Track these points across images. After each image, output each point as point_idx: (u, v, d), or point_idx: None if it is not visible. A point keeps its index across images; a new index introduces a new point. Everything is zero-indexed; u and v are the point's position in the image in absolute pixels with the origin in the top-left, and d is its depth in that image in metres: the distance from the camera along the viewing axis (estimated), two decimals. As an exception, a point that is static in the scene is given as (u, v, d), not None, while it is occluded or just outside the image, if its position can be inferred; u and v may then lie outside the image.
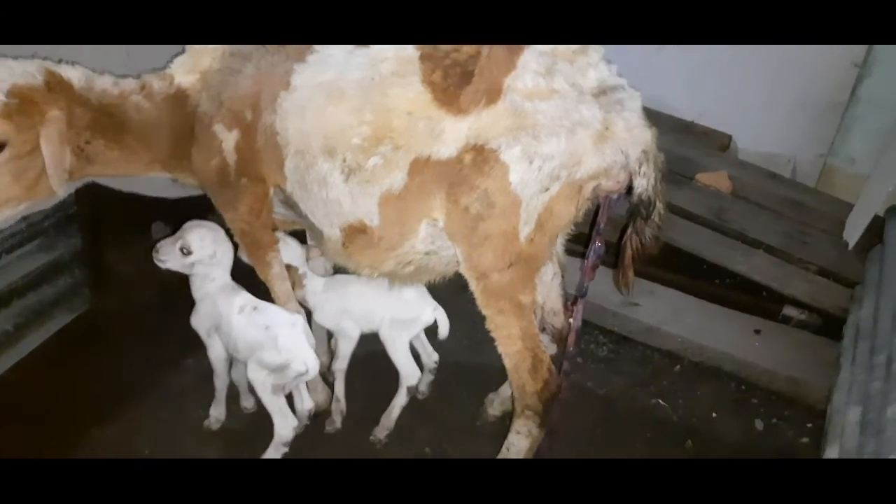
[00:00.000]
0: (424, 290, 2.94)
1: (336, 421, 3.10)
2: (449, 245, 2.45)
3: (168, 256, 2.75)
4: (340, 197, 2.45)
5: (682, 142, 4.32)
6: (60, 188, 2.37)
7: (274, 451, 2.77)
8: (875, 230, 3.51)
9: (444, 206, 2.33)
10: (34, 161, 2.31)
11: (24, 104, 2.22)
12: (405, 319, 2.94)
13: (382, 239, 2.48)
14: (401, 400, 3.03)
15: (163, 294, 3.20)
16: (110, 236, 3.43)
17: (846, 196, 4.13)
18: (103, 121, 2.45)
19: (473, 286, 2.43)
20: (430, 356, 3.21)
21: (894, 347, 2.34)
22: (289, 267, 2.89)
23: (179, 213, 3.08)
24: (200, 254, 2.73)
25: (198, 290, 2.82)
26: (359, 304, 2.97)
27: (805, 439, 3.26)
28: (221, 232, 2.80)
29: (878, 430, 2.18)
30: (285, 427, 2.74)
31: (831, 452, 2.73)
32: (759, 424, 3.32)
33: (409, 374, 2.98)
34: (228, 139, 2.55)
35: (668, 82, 4.51)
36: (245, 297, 2.77)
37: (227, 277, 2.82)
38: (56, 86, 2.32)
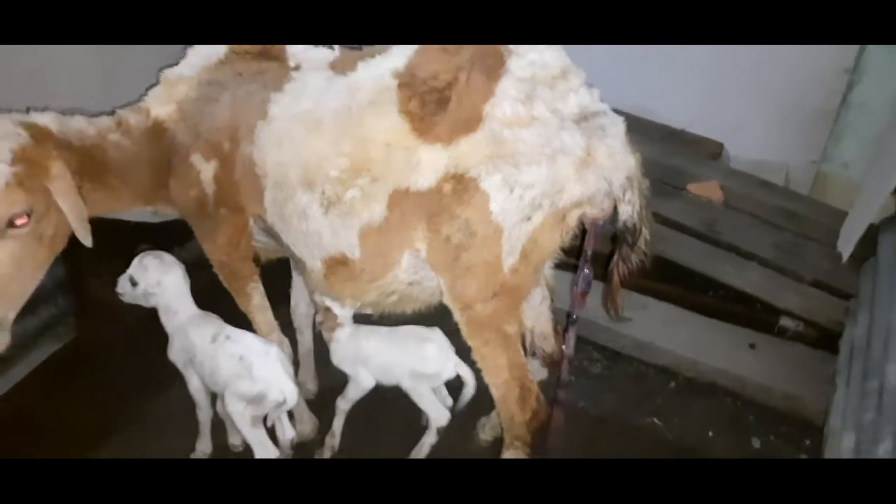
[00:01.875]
0: (446, 344, 2.80)
1: (325, 454, 3.01)
2: (433, 275, 2.36)
3: (122, 289, 2.69)
4: (320, 229, 2.36)
5: (673, 150, 4.21)
6: (88, 238, 2.26)
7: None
8: (870, 240, 3.41)
9: (425, 236, 2.24)
10: (51, 220, 2.22)
11: (28, 166, 2.10)
12: (426, 374, 2.81)
13: (364, 271, 2.39)
14: (430, 439, 2.90)
15: (148, 321, 3.10)
16: (94, 263, 3.33)
17: (840, 202, 4.03)
18: (86, 163, 2.34)
19: (458, 317, 2.35)
20: (445, 400, 3.02)
21: (886, 376, 2.25)
22: (328, 309, 2.82)
23: (166, 237, 2.99)
24: (144, 283, 2.65)
25: (168, 323, 2.73)
26: (378, 358, 2.86)
27: (803, 456, 3.17)
28: (168, 259, 2.71)
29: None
30: (283, 436, 2.68)
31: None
32: (756, 442, 3.23)
33: (438, 416, 2.85)
34: (206, 170, 2.46)
35: (658, 90, 4.40)
36: (217, 326, 2.66)
37: (190, 308, 2.72)
38: (40, 137, 2.20)
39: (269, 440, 2.65)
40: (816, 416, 3.20)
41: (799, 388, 3.30)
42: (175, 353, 2.75)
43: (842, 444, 2.59)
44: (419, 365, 2.78)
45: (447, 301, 2.34)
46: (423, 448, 2.91)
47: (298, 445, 3.01)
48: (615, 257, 2.33)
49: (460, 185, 2.13)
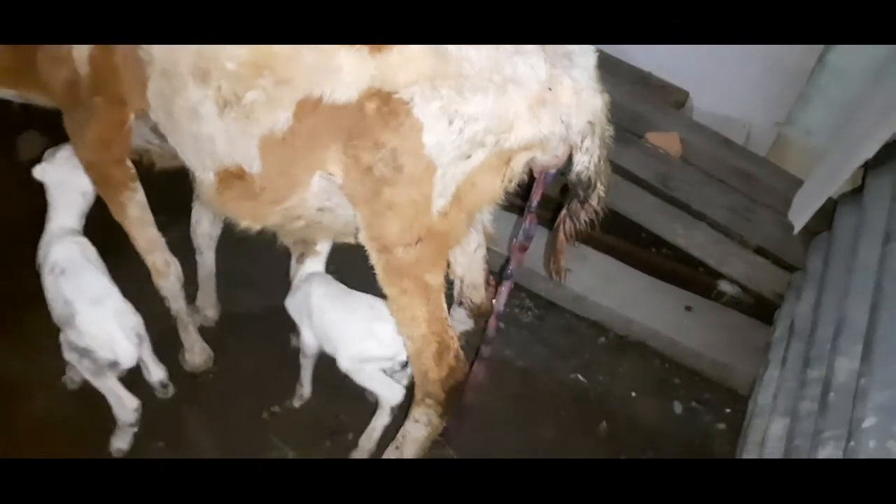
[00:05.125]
0: None
1: (295, 404, 2.68)
2: (348, 203, 1.95)
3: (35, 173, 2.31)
4: (214, 134, 1.91)
5: (637, 95, 3.80)
6: None
7: (121, 438, 2.32)
8: (824, 214, 3.14)
9: (341, 160, 1.82)
10: None
11: None
12: (374, 357, 2.32)
13: (265, 189, 1.96)
14: (382, 421, 2.46)
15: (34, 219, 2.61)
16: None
17: (794, 169, 3.73)
18: None
19: (374, 260, 1.96)
20: (399, 378, 2.51)
21: (834, 372, 2.00)
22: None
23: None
24: (49, 176, 2.24)
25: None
26: (320, 317, 2.39)
27: (722, 425, 3.00)
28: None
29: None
30: (122, 410, 2.27)
31: (749, 460, 2.44)
32: (677, 407, 3.04)
33: (389, 396, 2.39)
34: (80, 47, 1.94)
35: (629, 27, 3.94)
36: (63, 251, 2.20)
37: (66, 217, 2.26)
38: None
39: (121, 389, 2.25)
40: (743, 386, 3.03)
41: (729, 357, 3.11)
42: (38, 259, 2.30)
43: (770, 428, 2.38)
44: (364, 344, 2.31)
45: (363, 240, 1.95)
46: (375, 432, 2.49)
47: (191, 376, 2.65)
48: (563, 212, 1.96)
49: (387, 106, 1.70)
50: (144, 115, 2.06)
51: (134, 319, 2.21)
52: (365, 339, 2.29)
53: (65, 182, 2.32)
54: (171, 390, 2.45)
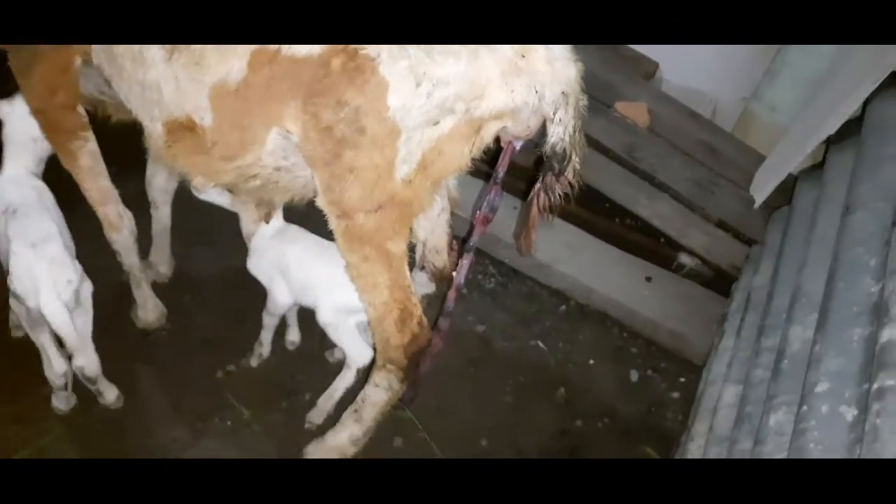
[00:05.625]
0: None
1: (252, 363, 2.63)
2: (305, 164, 1.87)
3: None
4: (161, 81, 1.79)
5: (607, 64, 3.76)
6: None
7: (58, 398, 2.26)
8: (784, 189, 3.17)
9: (299, 117, 1.72)
10: None
11: None
12: (351, 308, 2.24)
13: (217, 145, 1.86)
14: (346, 381, 2.43)
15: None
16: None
17: (758, 144, 3.75)
18: None
19: (333, 225, 1.89)
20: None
21: (788, 340, 2.02)
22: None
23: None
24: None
25: None
26: (298, 271, 2.32)
27: (676, 394, 3.06)
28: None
29: (757, 439, 1.88)
30: (49, 370, 2.20)
31: (699, 428, 2.48)
32: (633, 375, 3.08)
33: (358, 355, 2.36)
34: None
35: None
36: (17, 193, 2.08)
37: (21, 160, 2.16)
38: None
39: (52, 348, 2.15)
40: (698, 356, 3.08)
41: (685, 327, 3.16)
42: None
43: (723, 395, 2.42)
44: (342, 295, 2.22)
45: (321, 204, 1.86)
46: (336, 392, 2.45)
47: (143, 333, 2.57)
48: (537, 186, 1.90)
49: (353, 62, 1.61)
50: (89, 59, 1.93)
51: (72, 275, 2.09)
52: (345, 290, 2.20)
53: (17, 125, 2.18)
54: (103, 389, 2.35)
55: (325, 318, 2.32)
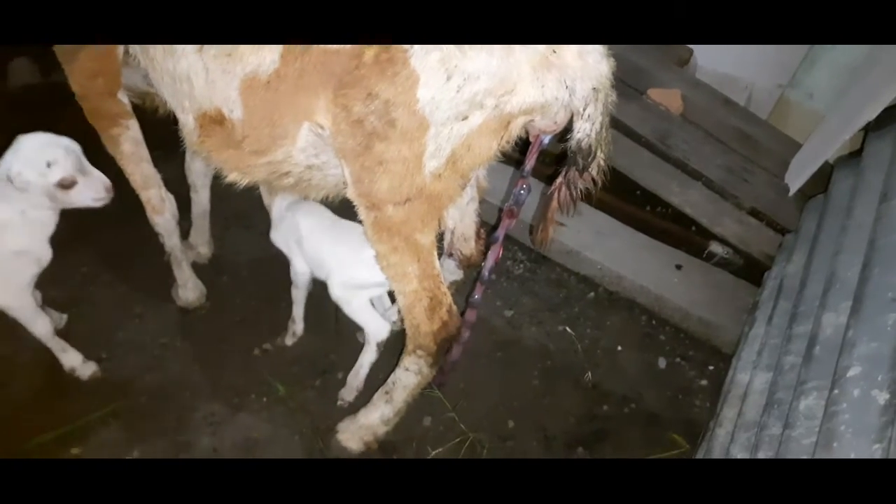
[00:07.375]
0: None
1: (287, 342, 2.67)
2: (338, 163, 1.87)
3: None
4: (191, 72, 1.79)
5: (641, 50, 3.68)
6: None
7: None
8: (820, 177, 3.07)
9: (330, 110, 1.71)
10: None
11: None
12: (363, 283, 2.26)
13: (247, 139, 1.85)
14: (369, 357, 2.46)
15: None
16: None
17: (794, 132, 3.65)
18: None
19: (363, 216, 1.88)
20: (389, 316, 2.54)
21: (821, 326, 1.96)
22: None
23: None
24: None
25: None
26: (312, 244, 2.34)
27: (704, 382, 3.00)
28: None
29: (787, 423, 1.85)
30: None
31: (728, 414, 2.45)
32: (661, 362, 3.04)
33: (376, 330, 2.37)
34: None
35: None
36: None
37: None
38: None
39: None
40: (727, 345, 3.02)
41: (715, 316, 3.09)
42: None
43: (753, 382, 2.37)
44: (352, 270, 2.26)
45: (351, 196, 1.85)
46: (362, 369, 2.48)
47: (183, 312, 2.62)
48: (559, 180, 1.86)
49: (386, 53, 1.60)
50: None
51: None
52: (354, 266, 2.24)
53: None
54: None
55: (335, 292, 2.33)
